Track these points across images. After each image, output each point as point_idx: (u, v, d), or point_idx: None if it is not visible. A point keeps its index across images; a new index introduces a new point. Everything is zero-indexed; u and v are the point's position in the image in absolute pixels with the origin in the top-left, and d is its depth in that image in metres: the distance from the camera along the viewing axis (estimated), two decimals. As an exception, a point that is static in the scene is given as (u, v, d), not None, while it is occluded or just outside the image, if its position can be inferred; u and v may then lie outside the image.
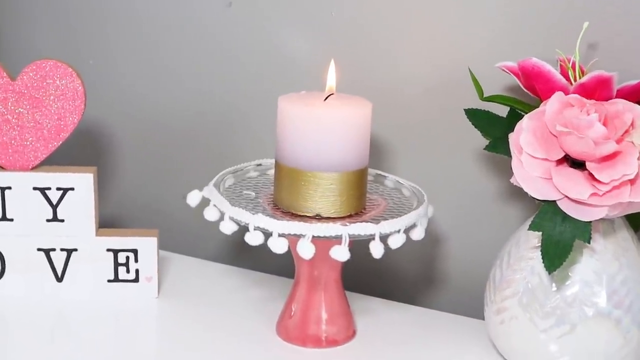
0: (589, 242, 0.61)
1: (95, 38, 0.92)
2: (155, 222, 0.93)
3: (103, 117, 0.94)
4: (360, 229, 0.64)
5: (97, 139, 0.95)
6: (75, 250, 0.76)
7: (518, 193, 0.75)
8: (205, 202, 0.70)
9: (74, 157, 0.94)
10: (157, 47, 0.90)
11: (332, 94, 0.69)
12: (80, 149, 0.95)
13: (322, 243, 0.64)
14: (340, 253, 0.63)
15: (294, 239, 0.65)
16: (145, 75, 0.91)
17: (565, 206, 0.62)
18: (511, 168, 0.65)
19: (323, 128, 0.66)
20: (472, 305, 0.80)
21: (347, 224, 0.65)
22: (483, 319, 0.72)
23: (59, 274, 0.77)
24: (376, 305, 0.80)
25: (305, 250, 0.63)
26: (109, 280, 0.78)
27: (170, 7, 0.88)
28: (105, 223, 0.95)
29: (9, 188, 0.74)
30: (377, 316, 0.78)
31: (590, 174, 0.62)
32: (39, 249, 0.76)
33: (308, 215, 0.67)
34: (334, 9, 0.81)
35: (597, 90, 0.64)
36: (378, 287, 0.86)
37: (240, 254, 0.90)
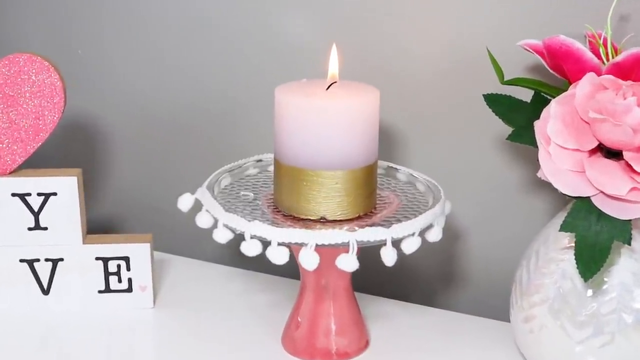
0: (629, 244, 0.54)
1: (85, 27, 0.85)
2: (154, 221, 0.87)
3: (96, 112, 0.88)
4: (370, 234, 0.57)
5: (90, 135, 0.88)
6: (62, 260, 0.70)
7: (545, 183, 0.68)
8: (200, 204, 0.64)
9: (65, 156, 0.88)
10: (151, 37, 0.83)
11: (335, 82, 0.62)
12: (73, 147, 0.88)
13: (328, 250, 0.58)
14: (348, 262, 0.56)
15: (296, 246, 0.58)
16: (139, 66, 0.84)
17: (600, 203, 0.55)
18: (537, 159, 0.57)
19: (326, 120, 0.59)
20: (495, 306, 0.74)
21: (356, 228, 0.58)
22: (508, 320, 0.66)
23: (45, 286, 0.71)
24: (390, 308, 0.74)
25: (309, 260, 0.56)
26: (100, 291, 0.71)
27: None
28: (102, 224, 0.90)
29: (-14, 195, 0.68)
30: (392, 321, 0.72)
31: (629, 165, 0.55)
32: (21, 260, 0.70)
33: (312, 218, 0.60)
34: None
35: (634, 70, 0.56)
36: (392, 288, 0.79)
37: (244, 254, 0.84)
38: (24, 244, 0.69)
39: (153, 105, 0.85)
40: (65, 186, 0.68)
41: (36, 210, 0.68)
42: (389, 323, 0.72)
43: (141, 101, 0.86)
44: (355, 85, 0.62)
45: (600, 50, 0.59)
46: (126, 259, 0.71)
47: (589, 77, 0.56)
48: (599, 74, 0.57)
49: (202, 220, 0.62)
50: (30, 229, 0.69)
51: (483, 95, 0.63)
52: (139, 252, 0.71)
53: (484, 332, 0.70)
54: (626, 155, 0.55)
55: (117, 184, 0.90)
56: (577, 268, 0.54)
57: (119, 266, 0.71)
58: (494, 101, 0.63)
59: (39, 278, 0.70)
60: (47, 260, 0.70)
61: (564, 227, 0.55)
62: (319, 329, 0.65)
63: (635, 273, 0.58)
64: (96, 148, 0.89)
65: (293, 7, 0.76)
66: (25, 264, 0.70)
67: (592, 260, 0.54)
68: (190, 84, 0.83)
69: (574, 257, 0.55)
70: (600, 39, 0.60)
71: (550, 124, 0.56)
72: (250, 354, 0.67)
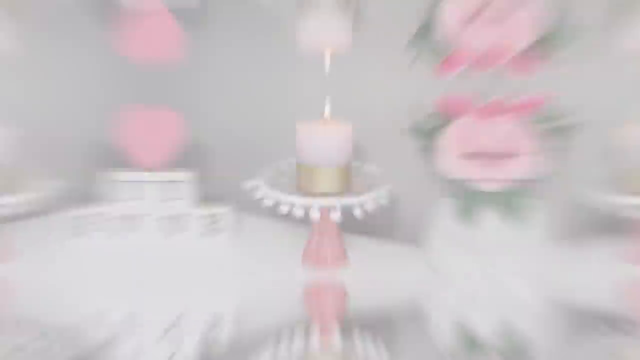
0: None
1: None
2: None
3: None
4: (346, 201, 1.13)
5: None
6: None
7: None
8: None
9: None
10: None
11: (327, 120, 1.18)
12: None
13: (326, 209, 1.13)
14: (335, 215, 1.12)
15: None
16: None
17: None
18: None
19: (324, 139, 1.14)
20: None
21: (340, 198, 1.14)
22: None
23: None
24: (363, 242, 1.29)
25: (316, 214, 1.12)
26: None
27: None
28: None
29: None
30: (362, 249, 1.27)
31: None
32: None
33: (316, 193, 1.16)
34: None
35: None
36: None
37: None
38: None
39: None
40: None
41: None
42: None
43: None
44: (337, 123, 1.18)
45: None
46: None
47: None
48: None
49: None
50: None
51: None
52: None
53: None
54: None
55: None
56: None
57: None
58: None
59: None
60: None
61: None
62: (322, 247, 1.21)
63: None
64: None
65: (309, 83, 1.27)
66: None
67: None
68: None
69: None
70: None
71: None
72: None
